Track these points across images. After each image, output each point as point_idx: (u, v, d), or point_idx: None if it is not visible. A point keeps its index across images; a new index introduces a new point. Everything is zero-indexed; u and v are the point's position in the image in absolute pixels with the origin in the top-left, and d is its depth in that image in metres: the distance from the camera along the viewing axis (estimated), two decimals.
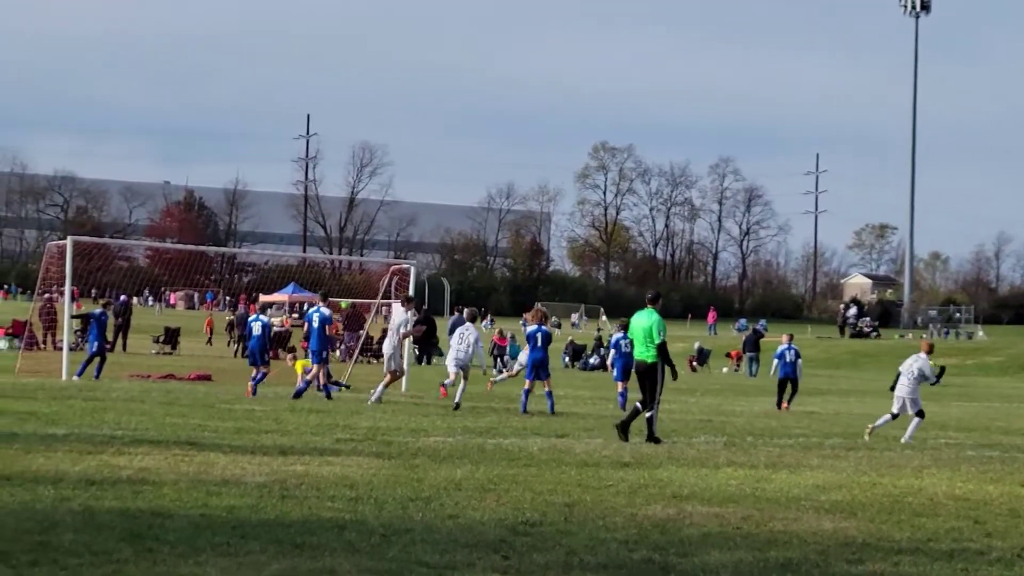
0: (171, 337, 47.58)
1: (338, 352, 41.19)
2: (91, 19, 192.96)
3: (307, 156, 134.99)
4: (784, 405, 28.66)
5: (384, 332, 42.39)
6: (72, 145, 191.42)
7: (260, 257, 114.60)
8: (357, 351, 37.17)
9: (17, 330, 42.33)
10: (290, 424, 18.38)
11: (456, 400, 23.02)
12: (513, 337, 50.36)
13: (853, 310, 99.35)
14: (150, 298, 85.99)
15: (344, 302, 48.45)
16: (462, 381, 23.44)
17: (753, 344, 53.25)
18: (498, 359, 46.76)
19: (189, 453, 13.90)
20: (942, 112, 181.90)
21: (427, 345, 45.98)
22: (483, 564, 8.48)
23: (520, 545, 9.19)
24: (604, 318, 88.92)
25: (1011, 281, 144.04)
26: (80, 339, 39.92)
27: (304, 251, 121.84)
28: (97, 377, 27.92)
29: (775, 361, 29.53)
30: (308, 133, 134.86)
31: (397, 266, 34.33)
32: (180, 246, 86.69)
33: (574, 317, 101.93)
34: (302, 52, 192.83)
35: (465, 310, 26.67)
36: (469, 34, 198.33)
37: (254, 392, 24.63)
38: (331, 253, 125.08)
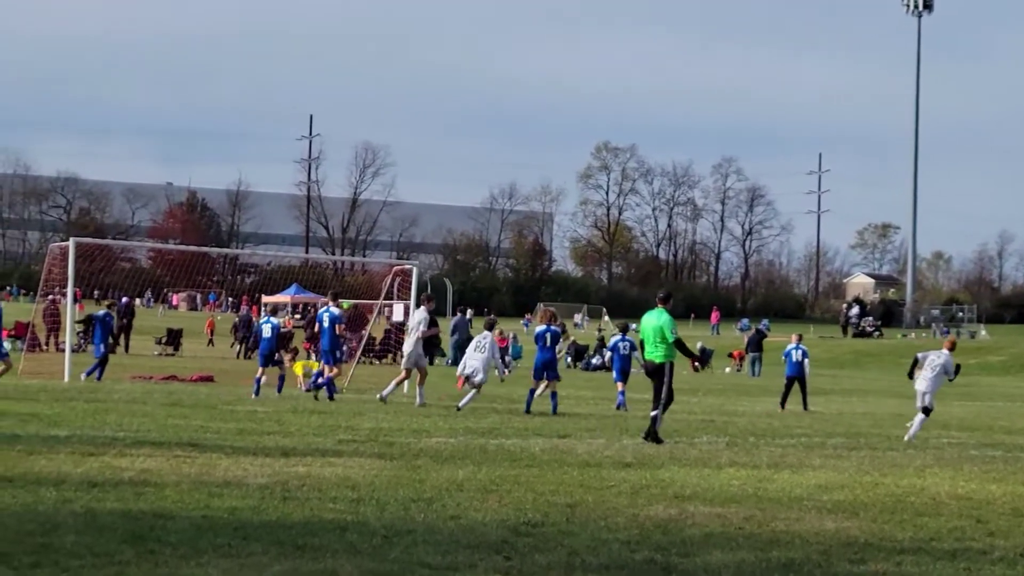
0: (173, 338, 47.59)
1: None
2: (92, 19, 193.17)
3: (309, 157, 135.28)
4: (800, 406, 28.28)
5: (386, 332, 42.67)
6: (74, 146, 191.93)
7: (262, 258, 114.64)
8: (359, 352, 37.15)
9: (19, 332, 42.33)
10: (292, 425, 18.39)
11: (461, 404, 22.93)
12: (515, 337, 50.33)
13: (856, 310, 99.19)
14: (151, 299, 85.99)
15: (346, 302, 48.41)
16: (472, 391, 23.13)
17: (756, 344, 53.26)
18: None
19: (191, 454, 13.90)
20: (945, 111, 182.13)
21: (429, 345, 45.93)
22: (485, 565, 8.48)
23: (522, 546, 9.19)
24: (606, 318, 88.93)
25: (1014, 280, 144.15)
26: (83, 341, 40.02)
27: (307, 252, 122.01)
28: (99, 378, 27.95)
29: (785, 360, 29.53)
30: (311, 134, 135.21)
31: (399, 267, 34.33)
32: (182, 247, 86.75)
33: (576, 317, 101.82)
34: (304, 52, 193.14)
35: (484, 319, 26.18)
36: (470, 34, 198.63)
37: (279, 389, 25.53)
38: (333, 254, 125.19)
